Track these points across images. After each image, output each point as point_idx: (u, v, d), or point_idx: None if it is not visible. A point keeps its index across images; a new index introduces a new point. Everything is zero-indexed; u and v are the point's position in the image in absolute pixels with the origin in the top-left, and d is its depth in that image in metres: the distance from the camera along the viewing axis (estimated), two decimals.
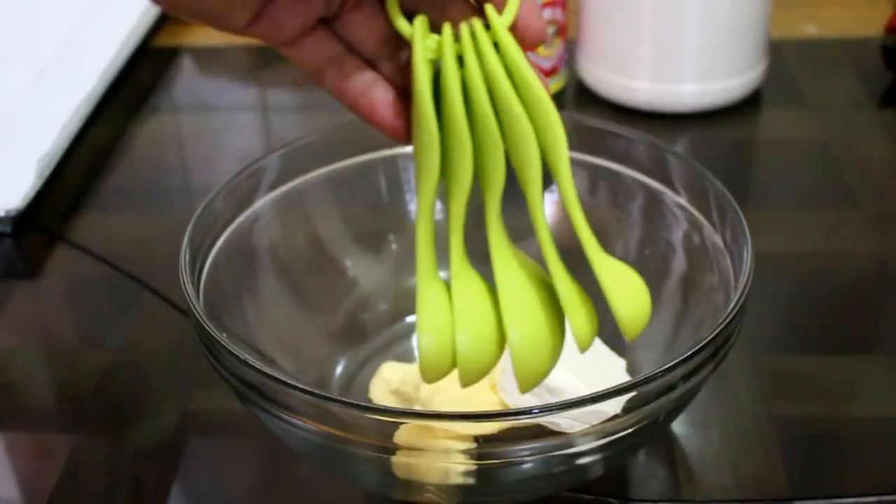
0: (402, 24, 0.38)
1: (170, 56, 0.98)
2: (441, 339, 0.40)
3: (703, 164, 0.55)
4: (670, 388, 0.44)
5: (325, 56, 0.40)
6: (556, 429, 0.43)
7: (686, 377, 0.44)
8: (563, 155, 0.38)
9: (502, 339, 0.40)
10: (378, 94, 0.40)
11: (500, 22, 0.37)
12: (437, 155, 0.39)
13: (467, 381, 0.41)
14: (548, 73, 0.86)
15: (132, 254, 0.71)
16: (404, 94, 0.41)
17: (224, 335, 0.46)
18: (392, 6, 0.38)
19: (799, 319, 0.65)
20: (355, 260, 0.61)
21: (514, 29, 0.38)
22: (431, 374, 0.40)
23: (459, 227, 0.41)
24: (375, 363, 0.58)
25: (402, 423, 0.43)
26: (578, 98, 0.88)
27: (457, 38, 0.38)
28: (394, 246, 0.62)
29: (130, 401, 0.60)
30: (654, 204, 0.56)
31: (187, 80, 0.97)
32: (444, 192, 0.40)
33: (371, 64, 0.41)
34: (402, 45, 0.40)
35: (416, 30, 0.38)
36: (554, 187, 0.40)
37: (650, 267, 0.57)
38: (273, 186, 0.57)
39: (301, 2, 0.38)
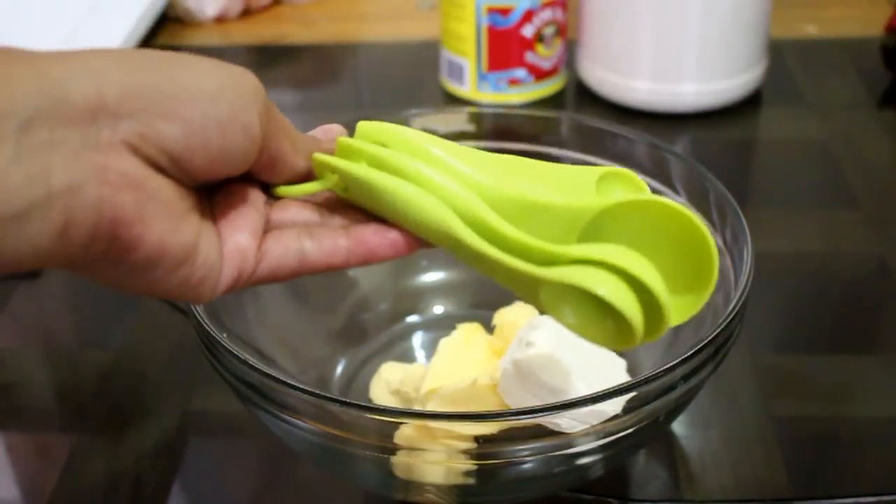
0: (323, 160, 0.39)
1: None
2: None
3: (703, 164, 0.55)
4: (670, 388, 0.44)
5: (292, 247, 0.38)
6: (556, 429, 0.43)
7: (686, 377, 0.44)
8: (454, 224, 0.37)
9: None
10: (359, 235, 0.39)
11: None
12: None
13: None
14: (548, 73, 0.86)
15: None
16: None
17: (224, 335, 0.46)
18: (321, 167, 0.39)
19: (799, 319, 0.65)
20: None
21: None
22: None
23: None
24: (375, 363, 0.58)
25: (402, 423, 0.43)
26: (578, 98, 0.88)
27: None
28: None
29: (130, 401, 0.60)
30: None
31: None
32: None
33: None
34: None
35: (339, 154, 0.40)
36: None
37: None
38: None
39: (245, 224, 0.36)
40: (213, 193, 0.37)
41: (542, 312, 0.37)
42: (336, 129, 0.41)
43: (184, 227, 0.33)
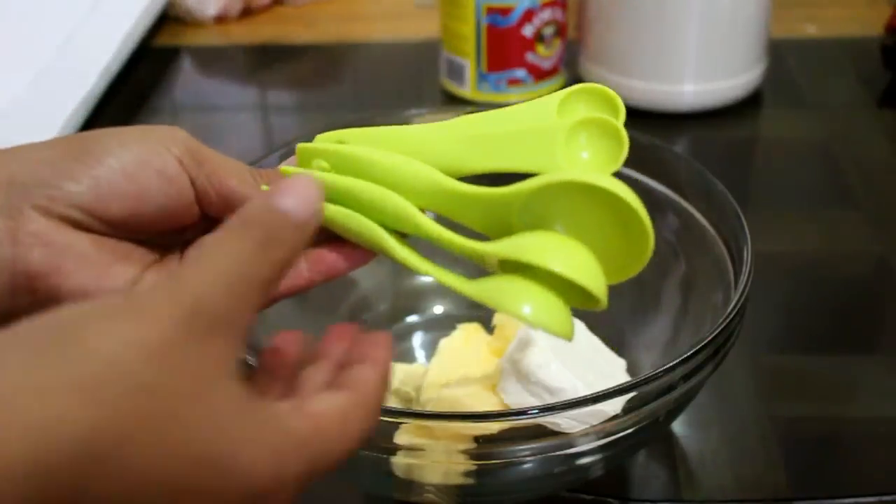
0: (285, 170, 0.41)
1: (170, 56, 0.98)
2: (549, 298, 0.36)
3: (703, 164, 0.55)
4: (670, 388, 0.44)
5: None
6: (556, 429, 0.43)
7: (686, 377, 0.44)
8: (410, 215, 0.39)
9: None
10: (316, 255, 0.40)
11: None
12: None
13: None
14: (548, 73, 0.86)
15: None
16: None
17: None
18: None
19: (799, 319, 0.65)
20: None
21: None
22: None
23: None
24: None
25: (402, 423, 0.43)
26: None
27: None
28: None
29: None
30: (653, 204, 0.56)
31: (187, 80, 0.97)
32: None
33: None
34: None
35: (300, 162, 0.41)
36: None
37: (650, 267, 0.57)
38: None
39: None
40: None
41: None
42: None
43: (112, 274, 0.36)
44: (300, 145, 0.41)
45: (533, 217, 0.36)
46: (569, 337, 0.36)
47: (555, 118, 0.39)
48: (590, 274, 0.35)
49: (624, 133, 0.37)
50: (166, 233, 0.38)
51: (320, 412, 0.31)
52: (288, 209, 0.30)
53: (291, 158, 0.43)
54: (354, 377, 0.33)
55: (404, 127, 0.41)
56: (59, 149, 0.35)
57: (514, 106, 0.40)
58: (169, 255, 0.39)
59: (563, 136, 0.37)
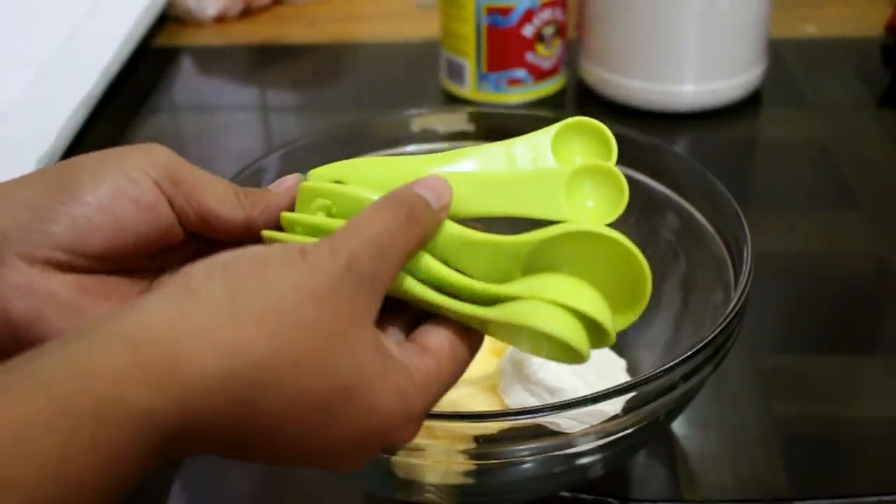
0: (286, 217, 0.40)
1: (170, 56, 0.98)
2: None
3: (703, 164, 0.55)
4: (670, 388, 0.44)
5: None
6: (556, 429, 0.43)
7: (686, 377, 0.44)
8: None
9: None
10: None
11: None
12: None
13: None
14: (548, 73, 0.86)
15: None
16: None
17: None
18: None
19: (799, 319, 0.65)
20: None
21: None
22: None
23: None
24: None
25: None
26: (578, 98, 0.88)
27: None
28: None
29: None
30: (653, 204, 0.56)
31: (187, 81, 0.97)
32: None
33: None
34: None
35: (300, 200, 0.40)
36: None
37: (651, 266, 0.57)
38: None
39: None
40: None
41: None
42: (289, 180, 0.41)
43: (95, 314, 0.36)
44: (303, 185, 0.40)
45: (541, 263, 0.37)
46: (586, 359, 0.37)
47: (553, 161, 0.40)
48: (603, 310, 0.37)
49: (624, 182, 0.38)
50: (154, 256, 0.39)
51: (435, 346, 0.36)
52: (428, 197, 0.36)
53: (290, 181, 0.41)
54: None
55: (402, 160, 0.41)
56: (36, 186, 0.36)
57: (514, 145, 0.40)
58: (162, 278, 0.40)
59: (566, 181, 0.38)
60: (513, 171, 0.40)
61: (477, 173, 0.40)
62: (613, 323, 0.37)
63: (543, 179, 0.38)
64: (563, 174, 0.38)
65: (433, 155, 0.41)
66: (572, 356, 0.37)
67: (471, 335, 0.37)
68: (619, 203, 0.38)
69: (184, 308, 0.30)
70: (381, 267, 0.34)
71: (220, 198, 0.38)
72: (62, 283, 0.36)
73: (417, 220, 0.35)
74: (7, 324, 0.35)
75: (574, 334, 0.36)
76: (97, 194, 0.36)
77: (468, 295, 0.37)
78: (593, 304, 0.37)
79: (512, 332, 0.37)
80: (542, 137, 0.40)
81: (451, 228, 0.38)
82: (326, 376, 0.32)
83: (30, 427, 0.27)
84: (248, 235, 0.39)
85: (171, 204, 0.38)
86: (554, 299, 0.36)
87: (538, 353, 0.38)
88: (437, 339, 0.36)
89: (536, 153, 0.40)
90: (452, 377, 0.36)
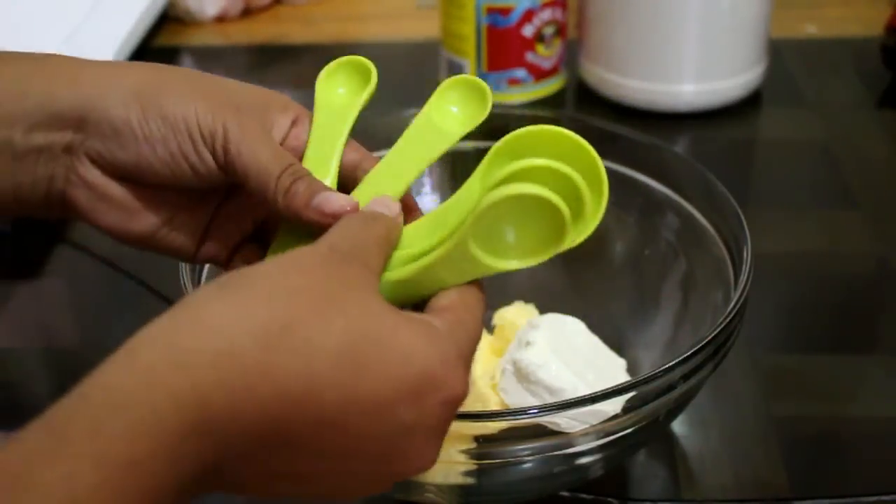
0: None
1: (170, 56, 0.98)
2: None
3: (703, 164, 0.55)
4: (670, 387, 0.44)
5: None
6: (556, 429, 0.43)
7: (686, 377, 0.44)
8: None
9: None
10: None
11: None
12: None
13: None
14: (548, 73, 0.86)
15: (132, 254, 0.71)
16: None
17: None
18: None
19: (799, 319, 0.65)
20: None
21: None
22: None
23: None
24: None
25: None
26: (578, 98, 0.88)
27: None
28: None
29: None
30: (653, 204, 0.57)
31: None
32: None
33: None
34: None
35: None
36: None
37: (650, 267, 0.57)
38: None
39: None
40: (222, 202, 0.44)
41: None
42: (340, 208, 0.40)
43: (139, 219, 0.42)
44: None
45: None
46: (568, 224, 0.35)
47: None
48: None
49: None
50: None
51: (445, 304, 0.36)
52: (379, 209, 0.39)
53: (339, 209, 0.42)
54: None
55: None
56: (122, 104, 0.40)
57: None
58: (203, 200, 0.44)
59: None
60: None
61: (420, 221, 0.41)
62: (589, 198, 0.36)
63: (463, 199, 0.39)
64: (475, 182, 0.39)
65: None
66: (554, 228, 0.35)
67: (472, 287, 0.38)
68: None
69: (175, 310, 0.33)
70: (362, 248, 0.36)
71: (260, 183, 0.40)
72: (117, 187, 0.42)
73: (377, 218, 0.38)
74: (70, 207, 0.42)
75: (548, 193, 0.34)
76: (167, 146, 0.40)
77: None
78: (562, 166, 0.36)
79: (490, 232, 0.36)
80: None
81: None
82: (341, 325, 0.32)
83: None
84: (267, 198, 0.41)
85: (223, 172, 0.41)
86: (528, 166, 0.35)
87: (525, 253, 0.36)
88: (444, 299, 0.37)
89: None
90: (473, 322, 0.36)
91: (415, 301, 0.38)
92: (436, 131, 0.44)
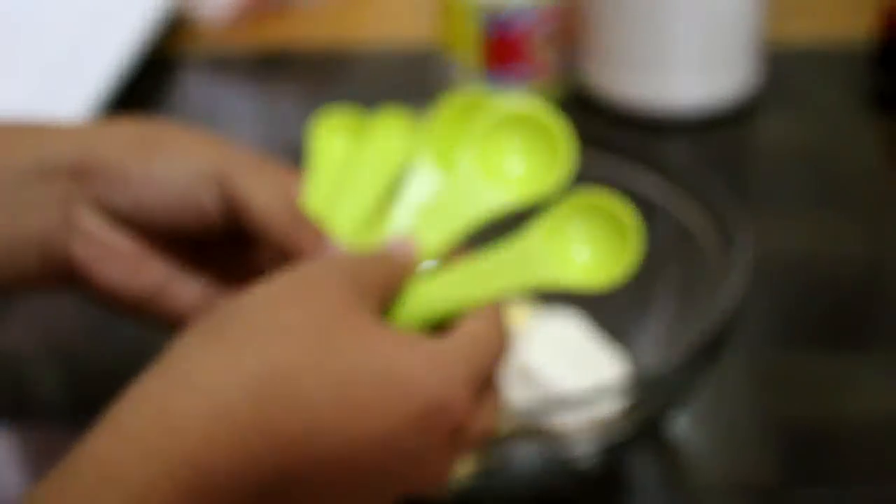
0: None
1: (173, 63, 0.98)
2: None
3: (703, 166, 0.55)
4: (670, 387, 0.44)
5: None
6: (556, 428, 0.44)
7: (685, 377, 0.44)
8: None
9: None
10: None
11: None
12: None
13: None
14: (548, 74, 0.86)
15: None
16: None
17: None
18: None
19: (798, 319, 0.66)
20: None
21: None
22: None
23: None
24: None
25: None
26: (577, 99, 0.88)
27: None
28: None
29: None
30: (653, 205, 0.57)
31: (191, 88, 0.97)
32: None
33: None
34: None
35: None
36: None
37: (649, 267, 0.58)
38: None
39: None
40: (238, 252, 0.42)
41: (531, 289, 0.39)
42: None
43: (143, 275, 0.40)
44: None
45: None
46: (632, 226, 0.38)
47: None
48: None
49: (563, 132, 0.39)
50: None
51: (462, 322, 0.35)
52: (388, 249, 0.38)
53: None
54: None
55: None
56: (122, 147, 0.39)
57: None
58: (210, 258, 0.42)
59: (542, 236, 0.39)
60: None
61: (454, 272, 0.39)
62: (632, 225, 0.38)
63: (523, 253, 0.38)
64: (538, 239, 0.38)
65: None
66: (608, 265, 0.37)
67: (498, 313, 0.36)
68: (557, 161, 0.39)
69: (163, 368, 0.32)
70: (358, 266, 0.35)
71: (267, 220, 0.39)
72: (121, 238, 0.40)
73: (383, 253, 0.37)
74: (69, 261, 0.39)
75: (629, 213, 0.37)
76: (169, 192, 0.39)
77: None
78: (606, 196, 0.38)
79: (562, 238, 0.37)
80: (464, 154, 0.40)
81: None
82: (334, 370, 0.31)
83: None
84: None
85: (225, 215, 0.39)
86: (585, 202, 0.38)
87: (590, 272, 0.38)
88: (463, 319, 0.36)
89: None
90: (495, 336, 0.35)
91: (441, 320, 0.37)
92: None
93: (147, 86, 0.94)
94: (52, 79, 0.87)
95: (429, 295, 0.37)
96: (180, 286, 0.41)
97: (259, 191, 0.39)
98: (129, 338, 0.65)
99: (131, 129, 0.40)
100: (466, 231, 0.40)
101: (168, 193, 0.39)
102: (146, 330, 0.65)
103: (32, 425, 0.60)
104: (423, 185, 0.42)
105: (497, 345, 0.35)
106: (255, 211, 0.39)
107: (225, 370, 0.30)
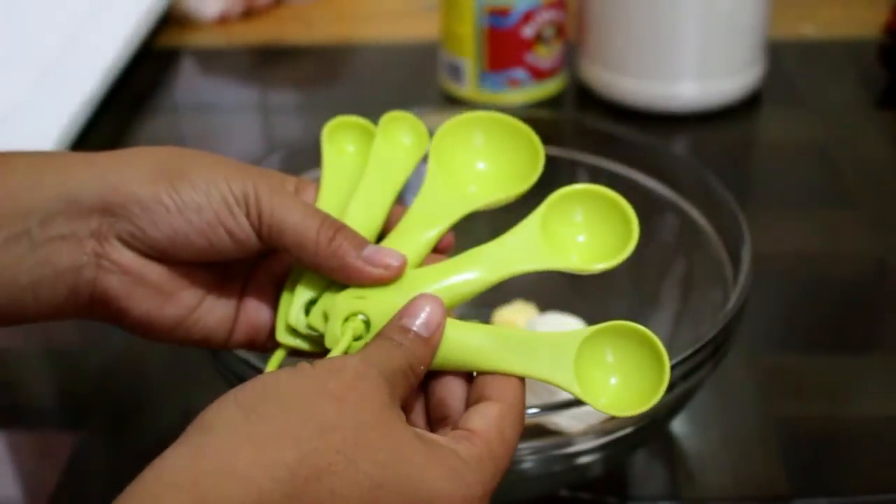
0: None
1: (171, 57, 0.98)
2: None
3: (703, 165, 0.55)
4: (670, 387, 0.44)
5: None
6: (556, 428, 0.44)
7: (685, 376, 0.44)
8: None
9: None
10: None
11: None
12: None
13: None
14: (548, 74, 0.86)
15: None
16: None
17: None
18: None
19: (798, 319, 0.66)
20: None
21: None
22: None
23: None
24: None
25: None
26: (578, 98, 0.88)
27: None
28: None
29: (131, 401, 0.60)
30: (653, 204, 0.57)
31: (188, 81, 0.97)
32: None
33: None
34: None
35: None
36: None
37: (649, 267, 0.57)
38: None
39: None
40: (255, 267, 0.43)
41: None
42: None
43: (176, 301, 0.41)
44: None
45: None
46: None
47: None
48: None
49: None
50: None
51: (480, 429, 0.35)
52: (417, 329, 0.37)
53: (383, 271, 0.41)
54: (498, 385, 0.36)
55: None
56: (149, 182, 0.39)
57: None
58: (230, 277, 0.42)
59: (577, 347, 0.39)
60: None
61: (491, 329, 0.38)
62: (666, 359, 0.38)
63: (557, 346, 0.38)
64: (575, 340, 0.38)
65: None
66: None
67: (514, 410, 0.36)
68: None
69: (200, 447, 0.31)
70: (394, 363, 0.35)
71: (296, 242, 0.39)
72: (152, 269, 0.40)
73: (405, 343, 0.36)
74: (102, 295, 0.39)
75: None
76: (202, 217, 0.39)
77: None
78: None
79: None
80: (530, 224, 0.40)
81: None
82: (366, 471, 0.32)
83: None
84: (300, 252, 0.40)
85: (258, 235, 0.40)
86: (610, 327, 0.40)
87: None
88: (480, 421, 0.36)
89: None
90: (505, 455, 0.35)
91: (457, 366, 0.37)
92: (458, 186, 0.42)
93: (143, 79, 0.94)
94: (49, 72, 0.87)
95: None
96: (209, 308, 0.42)
97: (291, 208, 0.39)
98: (126, 338, 0.65)
99: (153, 160, 0.40)
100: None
101: (201, 221, 0.39)
102: None
103: (26, 426, 0.60)
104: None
105: (507, 463, 0.36)
106: (291, 229, 0.39)
107: (265, 463, 0.30)
